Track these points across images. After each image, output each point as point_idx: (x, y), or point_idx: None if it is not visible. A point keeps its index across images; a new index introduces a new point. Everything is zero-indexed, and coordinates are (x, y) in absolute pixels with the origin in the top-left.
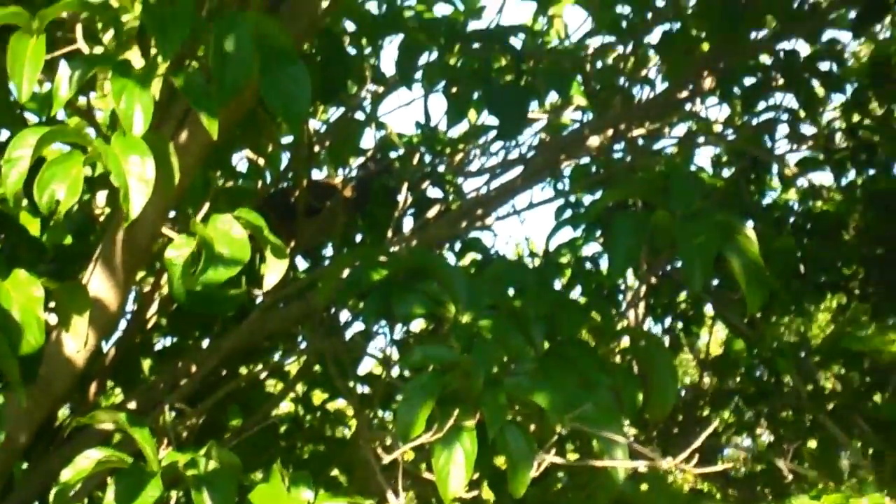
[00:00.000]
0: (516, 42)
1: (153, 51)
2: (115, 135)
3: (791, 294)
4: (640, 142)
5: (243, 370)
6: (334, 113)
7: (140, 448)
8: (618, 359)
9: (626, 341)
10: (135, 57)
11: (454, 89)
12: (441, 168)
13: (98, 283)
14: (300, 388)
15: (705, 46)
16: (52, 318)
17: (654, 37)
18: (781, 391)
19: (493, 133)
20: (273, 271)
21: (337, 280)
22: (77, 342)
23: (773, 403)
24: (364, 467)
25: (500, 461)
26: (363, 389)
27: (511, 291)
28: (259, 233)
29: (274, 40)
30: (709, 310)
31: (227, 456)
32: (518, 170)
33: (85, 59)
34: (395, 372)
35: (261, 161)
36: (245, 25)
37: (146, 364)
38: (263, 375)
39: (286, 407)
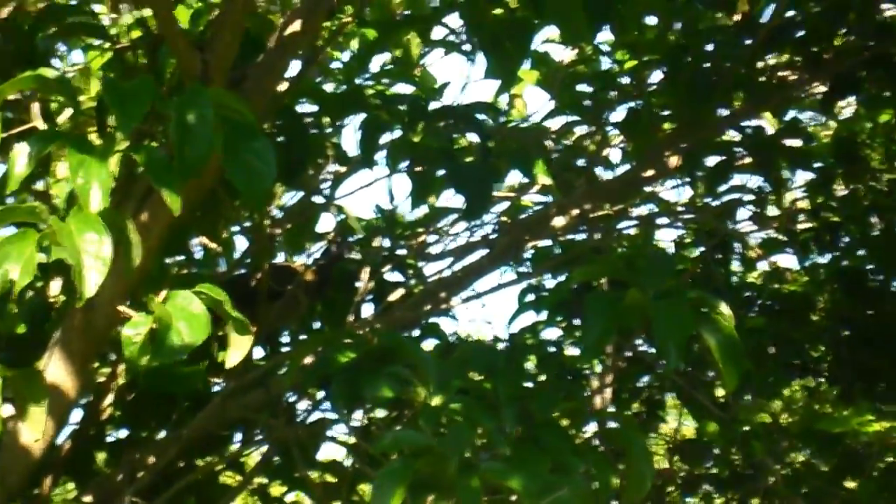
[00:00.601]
0: (481, 119)
1: (112, 126)
2: (71, 211)
3: (763, 375)
4: (601, 223)
5: (200, 462)
6: (291, 197)
7: None
8: (593, 442)
9: (594, 426)
10: (92, 137)
11: (417, 168)
12: (402, 251)
13: (55, 370)
14: (258, 480)
15: (668, 125)
16: (8, 409)
17: (618, 115)
18: (756, 474)
19: (453, 216)
20: (237, 348)
21: (301, 365)
22: (34, 432)
23: (745, 488)
24: None
25: None
26: (325, 478)
27: (479, 374)
28: (220, 307)
29: (237, 115)
30: (674, 396)
31: None
32: (481, 252)
33: (41, 136)
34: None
35: (216, 246)
36: (207, 100)
37: (101, 457)
38: (221, 468)
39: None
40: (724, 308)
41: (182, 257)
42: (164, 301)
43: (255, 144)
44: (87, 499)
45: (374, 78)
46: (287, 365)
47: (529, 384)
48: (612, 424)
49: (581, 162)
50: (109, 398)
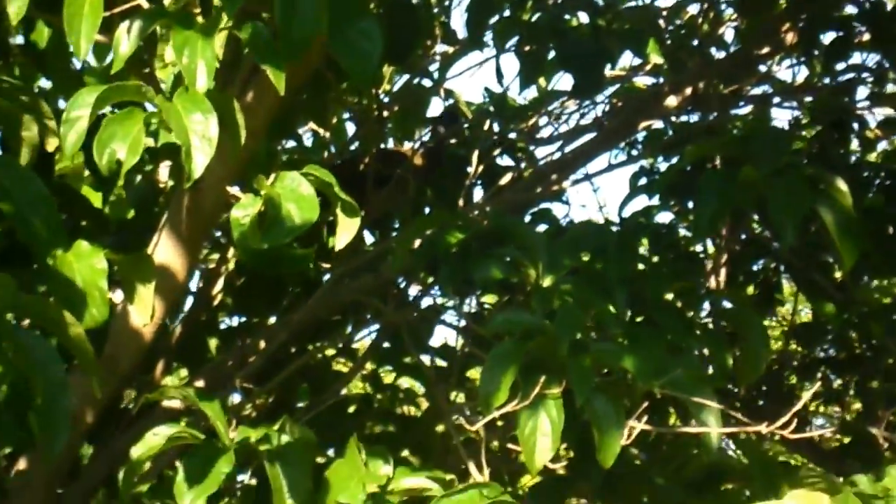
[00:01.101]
0: None
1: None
2: (177, 91)
3: (883, 255)
4: (715, 103)
5: (311, 347)
6: (398, 80)
7: (211, 425)
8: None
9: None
10: (198, 17)
11: (527, 48)
12: (512, 135)
13: (164, 253)
14: (369, 365)
15: (783, 1)
16: (118, 294)
17: None
18: (875, 356)
19: (564, 98)
20: (345, 230)
21: (410, 247)
22: (143, 316)
23: (863, 370)
24: (441, 443)
25: None
26: (436, 363)
27: (590, 255)
28: (329, 189)
29: None
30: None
31: (302, 431)
32: (592, 134)
33: (145, 14)
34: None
35: (324, 132)
36: None
37: (213, 343)
38: (332, 353)
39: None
40: (841, 185)
41: (291, 142)
42: (273, 183)
43: (362, 23)
44: (199, 383)
45: None
46: (395, 248)
47: (641, 266)
48: (727, 305)
49: (694, 42)
50: (220, 284)
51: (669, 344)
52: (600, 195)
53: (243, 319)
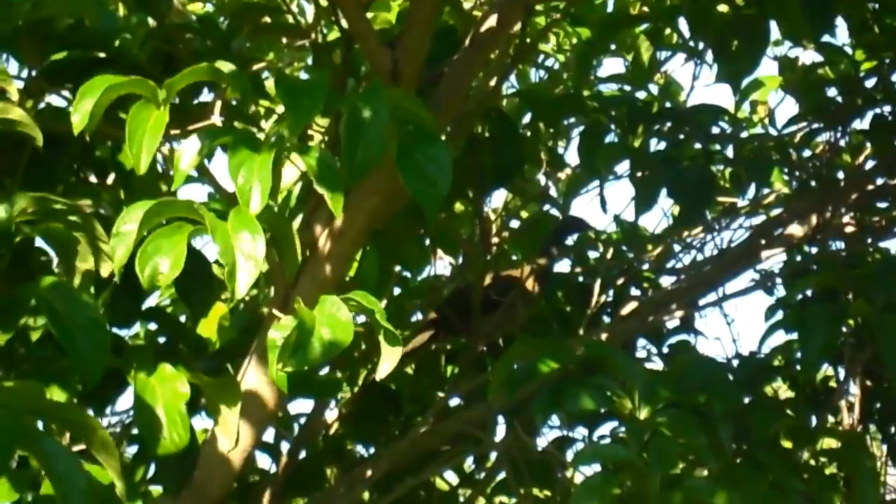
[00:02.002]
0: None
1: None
2: (231, 211)
3: None
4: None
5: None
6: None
7: None
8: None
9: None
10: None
11: (639, 174)
12: (643, 265)
13: (253, 377)
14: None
15: None
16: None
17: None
18: None
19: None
20: (387, 359)
21: (506, 375)
22: (228, 441)
23: None
24: None
25: None
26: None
27: (696, 389)
28: (372, 316)
29: (415, 117)
30: None
31: None
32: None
33: (208, 132)
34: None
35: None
36: (382, 98)
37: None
38: (456, 483)
39: None
40: None
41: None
42: (314, 307)
43: (432, 149)
44: None
45: (604, 81)
46: (492, 376)
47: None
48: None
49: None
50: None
51: (772, 484)
52: (734, 328)
53: (356, 445)
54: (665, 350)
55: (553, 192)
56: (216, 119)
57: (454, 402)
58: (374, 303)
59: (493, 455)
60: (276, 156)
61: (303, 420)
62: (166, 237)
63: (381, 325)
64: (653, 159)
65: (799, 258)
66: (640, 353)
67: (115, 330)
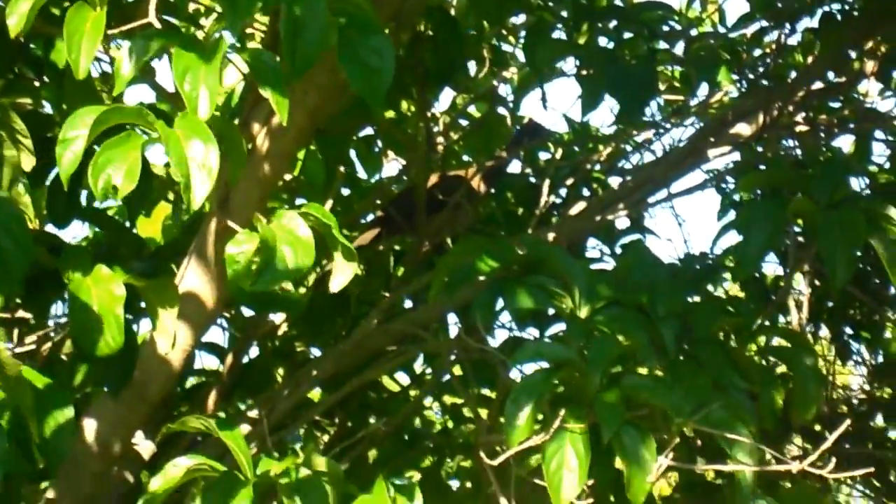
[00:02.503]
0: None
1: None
2: (178, 116)
3: None
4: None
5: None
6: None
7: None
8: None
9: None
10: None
11: (584, 73)
12: (593, 166)
13: (191, 278)
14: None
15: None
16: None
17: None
18: None
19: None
20: (340, 273)
21: (447, 275)
22: (165, 342)
23: None
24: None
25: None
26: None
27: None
28: (328, 231)
29: (354, 9)
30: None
31: (328, 465)
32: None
33: (147, 35)
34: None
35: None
36: None
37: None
38: (406, 384)
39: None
40: None
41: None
42: (270, 221)
43: (373, 40)
44: (251, 413)
45: None
46: (433, 277)
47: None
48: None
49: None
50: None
51: (713, 382)
52: (686, 229)
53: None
54: (617, 250)
55: (502, 91)
56: (153, 17)
57: (408, 304)
58: (329, 216)
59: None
60: (221, 59)
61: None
62: (117, 147)
63: (338, 241)
64: (597, 56)
65: (750, 158)
66: (593, 254)
67: (54, 230)
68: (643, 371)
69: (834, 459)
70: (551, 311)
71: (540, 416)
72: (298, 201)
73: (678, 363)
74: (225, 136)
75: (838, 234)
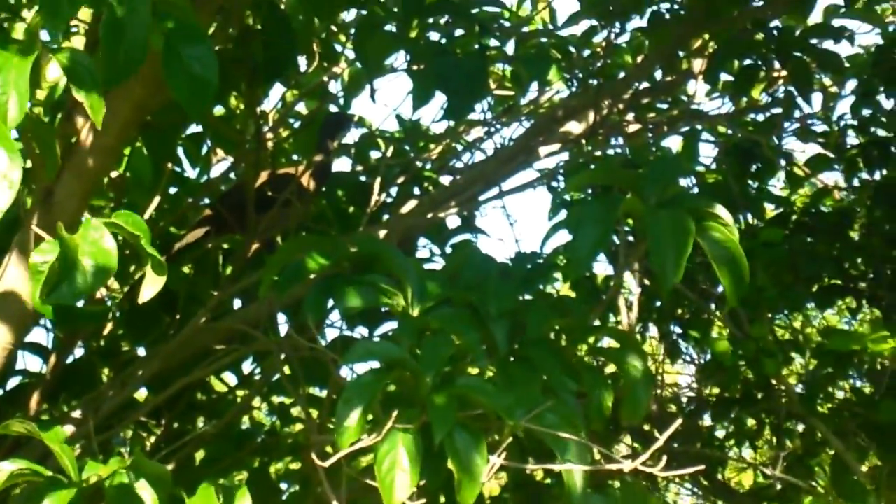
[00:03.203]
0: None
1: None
2: None
3: (782, 291)
4: (619, 131)
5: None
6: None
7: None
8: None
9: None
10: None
11: (415, 68)
12: (424, 164)
13: (12, 275)
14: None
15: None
16: None
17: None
18: (766, 396)
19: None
20: (151, 285)
21: (277, 273)
22: None
23: (771, 411)
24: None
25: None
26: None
27: (470, 286)
28: (137, 241)
29: (177, 11)
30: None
31: (154, 467)
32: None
33: None
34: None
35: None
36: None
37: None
38: (234, 384)
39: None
40: (725, 214)
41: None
42: (75, 230)
43: (197, 49)
44: (76, 414)
45: None
46: (263, 274)
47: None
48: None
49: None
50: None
51: (545, 384)
52: (517, 228)
53: (129, 346)
54: (448, 250)
55: (333, 87)
56: None
57: (237, 305)
58: (139, 224)
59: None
60: (35, 60)
61: None
62: None
63: (147, 253)
64: (428, 50)
65: (580, 157)
66: (423, 253)
67: None
68: (475, 371)
69: (664, 458)
70: (384, 310)
71: (370, 416)
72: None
73: (509, 364)
74: (38, 138)
75: (668, 235)
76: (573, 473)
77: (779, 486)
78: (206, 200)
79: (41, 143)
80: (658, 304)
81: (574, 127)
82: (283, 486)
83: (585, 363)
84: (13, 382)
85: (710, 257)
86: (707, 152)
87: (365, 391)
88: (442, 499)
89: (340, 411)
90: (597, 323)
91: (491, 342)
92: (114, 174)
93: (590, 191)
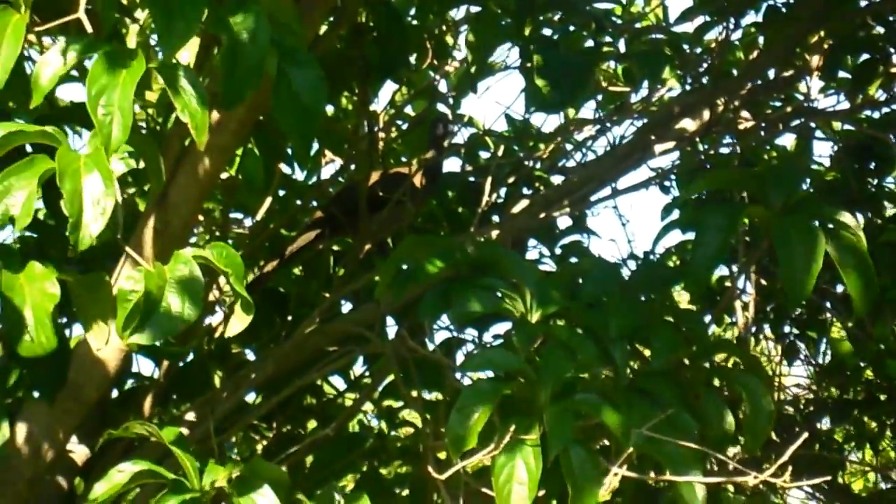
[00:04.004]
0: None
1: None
2: (89, 138)
3: None
4: (743, 126)
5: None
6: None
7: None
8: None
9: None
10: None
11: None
12: (535, 164)
13: (128, 274)
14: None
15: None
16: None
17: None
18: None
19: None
20: (237, 323)
21: (395, 273)
22: (98, 342)
23: (891, 412)
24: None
25: None
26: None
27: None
28: (228, 278)
29: (287, 31)
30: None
31: (274, 471)
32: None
33: (74, 43)
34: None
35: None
36: (261, 19)
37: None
38: (343, 388)
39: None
40: (850, 220)
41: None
42: (166, 262)
43: (307, 76)
44: (189, 416)
45: None
46: (380, 276)
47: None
48: None
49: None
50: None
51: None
52: (629, 228)
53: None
54: (558, 251)
55: (442, 87)
56: (82, 14)
57: (346, 307)
58: (233, 259)
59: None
60: (140, 78)
61: None
62: (17, 174)
63: (236, 291)
64: (540, 43)
65: (694, 155)
66: (532, 254)
67: None
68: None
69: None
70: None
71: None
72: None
73: (629, 393)
74: (144, 154)
75: (797, 244)
76: (693, 486)
77: None
78: (315, 203)
79: (145, 157)
80: (772, 305)
81: (688, 125)
82: (396, 490)
83: (706, 388)
84: (127, 386)
85: (837, 263)
86: (820, 151)
87: (481, 400)
88: None
89: (455, 419)
90: (713, 329)
91: (609, 363)
92: (224, 176)
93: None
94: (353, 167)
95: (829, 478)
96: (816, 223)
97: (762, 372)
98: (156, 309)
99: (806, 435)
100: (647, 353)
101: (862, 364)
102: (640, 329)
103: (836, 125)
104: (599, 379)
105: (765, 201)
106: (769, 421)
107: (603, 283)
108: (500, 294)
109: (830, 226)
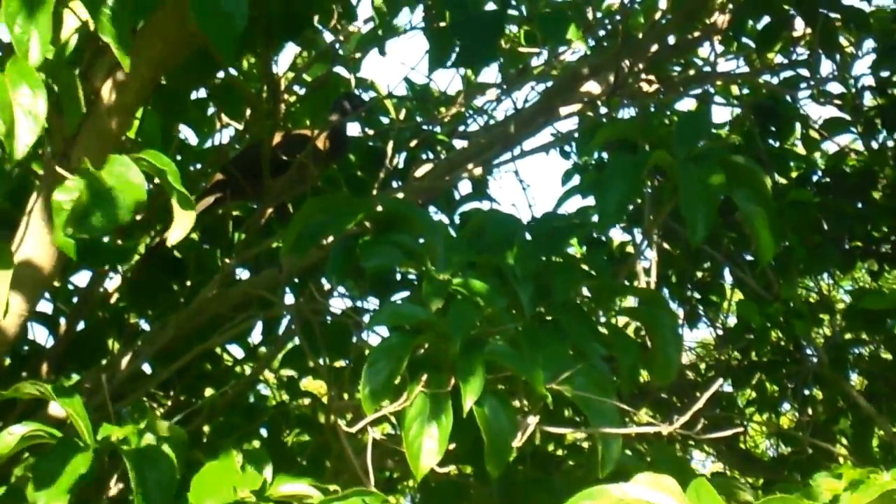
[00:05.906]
0: None
1: None
2: (8, 62)
3: (810, 251)
4: (646, 90)
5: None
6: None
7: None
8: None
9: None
10: None
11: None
12: (436, 128)
13: (29, 242)
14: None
15: None
16: None
17: None
18: (800, 358)
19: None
20: (179, 224)
21: (297, 235)
22: None
23: (796, 375)
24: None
25: None
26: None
27: (497, 248)
28: (163, 177)
29: None
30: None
31: (172, 430)
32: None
33: None
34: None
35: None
36: None
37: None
38: (241, 357)
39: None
40: (760, 174)
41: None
42: (102, 167)
43: None
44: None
45: None
46: (284, 236)
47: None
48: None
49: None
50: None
51: (575, 348)
52: (530, 193)
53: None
54: (457, 219)
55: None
56: None
57: (245, 275)
58: (167, 163)
59: (283, 324)
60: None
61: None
62: None
63: (174, 188)
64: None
65: (596, 119)
66: None
67: None
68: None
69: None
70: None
71: (397, 381)
72: None
73: (537, 328)
74: (61, 84)
75: (699, 188)
76: (607, 436)
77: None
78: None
79: (63, 88)
80: (675, 269)
81: (593, 87)
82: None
83: (613, 326)
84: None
85: (743, 212)
86: (719, 117)
87: (392, 354)
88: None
89: (367, 375)
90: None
91: (517, 305)
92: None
93: (605, 155)
94: (253, 130)
95: (741, 430)
96: (720, 169)
97: (666, 305)
98: (101, 201)
99: (720, 382)
100: None
101: (768, 325)
102: (544, 272)
103: (735, 90)
104: (509, 326)
105: (670, 150)
106: (678, 349)
107: (504, 230)
108: (405, 250)
109: (735, 174)
